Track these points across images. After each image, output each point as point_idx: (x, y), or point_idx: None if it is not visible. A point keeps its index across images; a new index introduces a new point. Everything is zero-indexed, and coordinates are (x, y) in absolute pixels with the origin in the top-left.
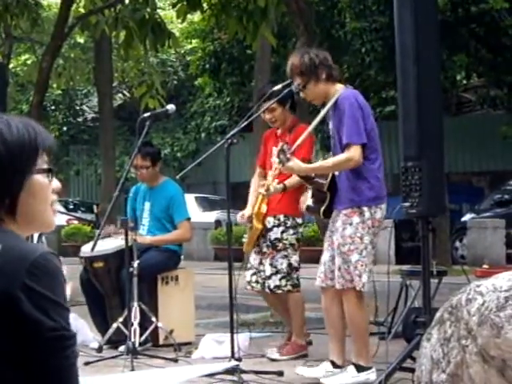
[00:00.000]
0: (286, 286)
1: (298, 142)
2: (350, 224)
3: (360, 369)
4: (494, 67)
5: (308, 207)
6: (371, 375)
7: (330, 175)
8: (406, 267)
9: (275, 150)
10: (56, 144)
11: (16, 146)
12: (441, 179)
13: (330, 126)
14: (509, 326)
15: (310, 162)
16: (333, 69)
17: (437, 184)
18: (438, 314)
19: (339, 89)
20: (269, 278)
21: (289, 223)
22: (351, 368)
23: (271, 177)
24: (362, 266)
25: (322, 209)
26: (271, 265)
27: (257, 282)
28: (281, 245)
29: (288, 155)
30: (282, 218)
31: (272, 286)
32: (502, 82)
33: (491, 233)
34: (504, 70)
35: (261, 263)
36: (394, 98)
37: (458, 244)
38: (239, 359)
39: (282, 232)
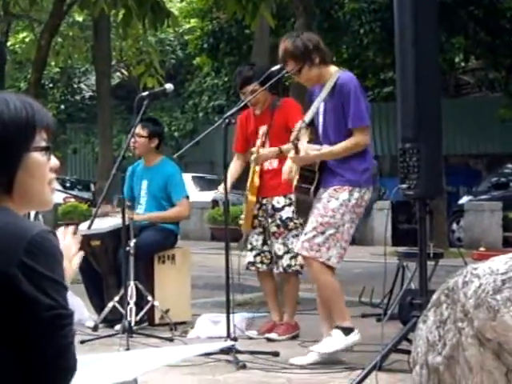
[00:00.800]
0: (295, 265)
1: (295, 133)
2: (337, 199)
3: (346, 331)
4: (493, 49)
5: (297, 187)
6: (357, 336)
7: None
8: (402, 249)
9: (263, 130)
10: (55, 122)
11: (13, 124)
12: (438, 161)
13: (321, 111)
14: (505, 309)
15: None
16: (325, 52)
17: (434, 166)
18: (434, 297)
19: (334, 72)
20: (281, 257)
21: None
22: (336, 331)
23: (256, 147)
24: (333, 240)
25: (313, 187)
26: (283, 244)
27: (262, 262)
28: (292, 224)
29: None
30: (293, 197)
31: (285, 265)
32: (500, 64)
33: (488, 215)
34: (502, 53)
35: (265, 243)
36: (393, 80)
37: (454, 226)
38: (235, 339)
39: (293, 212)
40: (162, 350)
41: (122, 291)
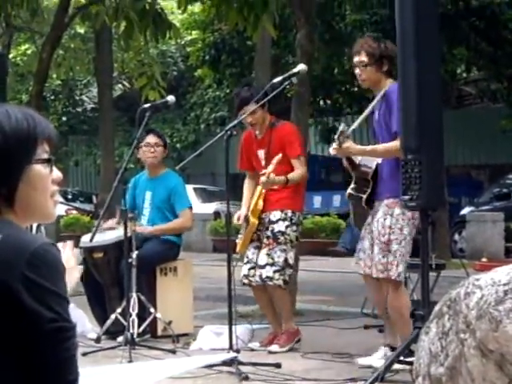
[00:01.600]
0: (278, 279)
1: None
2: (391, 215)
3: (393, 349)
4: (494, 60)
5: (350, 194)
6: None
7: (375, 164)
8: None
9: (261, 154)
10: (57, 134)
11: (14, 136)
12: (440, 172)
13: (376, 116)
14: (507, 320)
15: (303, 156)
16: (394, 66)
17: (436, 177)
18: (436, 308)
19: (389, 83)
20: (262, 267)
21: (294, 219)
22: (388, 350)
23: (271, 166)
24: (400, 255)
25: (365, 197)
26: (268, 255)
27: (254, 275)
28: (282, 238)
29: (345, 137)
30: (289, 213)
31: (264, 276)
32: (502, 75)
33: (490, 226)
34: (504, 64)
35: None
36: None
37: (457, 237)
38: (237, 351)
39: (287, 227)
40: (164, 362)
41: (124, 303)
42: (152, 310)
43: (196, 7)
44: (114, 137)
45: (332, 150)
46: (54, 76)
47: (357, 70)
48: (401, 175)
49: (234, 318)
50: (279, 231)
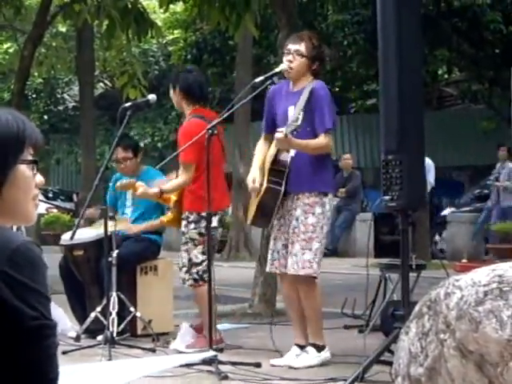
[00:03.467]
0: (188, 280)
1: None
2: (313, 213)
3: (318, 348)
4: (476, 62)
5: (269, 188)
6: (328, 353)
7: (289, 157)
8: (385, 260)
9: None
10: (42, 139)
11: (4, 136)
12: (421, 173)
13: (295, 111)
14: (487, 321)
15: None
16: (322, 68)
17: (417, 178)
18: (416, 308)
19: (312, 80)
20: (180, 270)
21: (191, 218)
22: (311, 349)
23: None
24: (319, 253)
25: (283, 189)
26: (179, 257)
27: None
28: (183, 238)
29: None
30: (186, 213)
31: (181, 280)
32: (484, 76)
33: (471, 227)
34: (485, 65)
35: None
36: (376, 91)
37: (437, 238)
38: (217, 350)
39: (185, 226)
40: (144, 361)
41: (104, 301)
42: (132, 308)
43: (178, 6)
44: (95, 135)
45: (279, 138)
46: (36, 74)
47: (289, 57)
48: (381, 176)
49: (213, 317)
50: (182, 233)
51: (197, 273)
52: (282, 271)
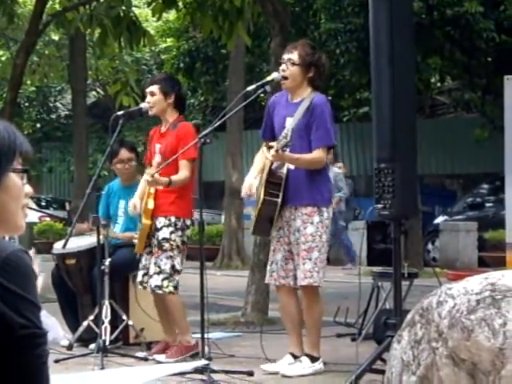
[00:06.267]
0: (167, 287)
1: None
2: (311, 223)
3: (313, 359)
4: (469, 70)
5: (265, 200)
6: (321, 365)
7: (286, 169)
8: (377, 269)
9: (157, 148)
10: (32, 150)
11: None
12: (414, 181)
13: (290, 123)
14: (479, 329)
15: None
16: (321, 78)
17: (409, 186)
18: (408, 316)
19: (310, 91)
20: (151, 276)
21: (179, 225)
22: (306, 359)
23: (154, 168)
24: (320, 262)
25: (280, 201)
26: (155, 264)
27: (148, 282)
28: (167, 245)
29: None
30: (173, 219)
31: (153, 286)
32: (476, 84)
33: (463, 236)
34: (478, 73)
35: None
36: (368, 100)
37: (430, 246)
38: (209, 358)
39: (171, 233)
40: (136, 370)
41: (96, 310)
42: (124, 317)
43: (171, 15)
44: (88, 144)
45: (272, 155)
46: (29, 82)
47: (283, 66)
48: (373, 184)
49: (206, 325)
50: (164, 238)
51: (177, 281)
52: (282, 283)
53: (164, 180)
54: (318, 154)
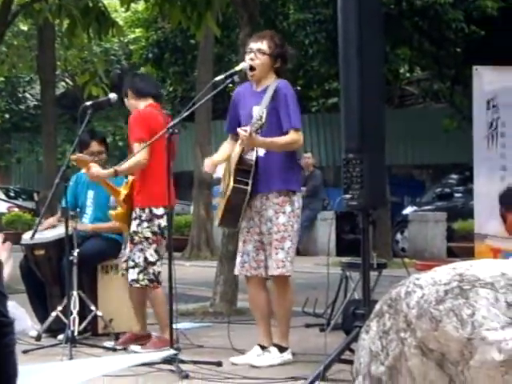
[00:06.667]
0: (143, 280)
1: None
2: (283, 213)
3: (281, 349)
4: (437, 60)
5: (235, 188)
6: (290, 355)
7: (255, 156)
8: (346, 259)
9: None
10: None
11: None
12: (382, 172)
13: (258, 110)
14: (447, 320)
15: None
16: (285, 67)
17: (378, 176)
18: (377, 307)
19: (275, 79)
20: (127, 270)
21: (143, 216)
22: (274, 349)
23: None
24: (292, 252)
25: (249, 188)
26: (129, 258)
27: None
28: (137, 238)
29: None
30: (137, 210)
31: (130, 280)
32: (445, 75)
33: (432, 226)
34: (447, 64)
35: None
36: (337, 90)
37: (399, 237)
38: (178, 348)
39: (138, 225)
40: (104, 360)
41: (65, 301)
42: (93, 307)
43: (139, 5)
44: (57, 134)
45: (243, 137)
46: None
47: (251, 55)
48: (342, 174)
49: (174, 315)
50: (133, 231)
51: (153, 273)
52: (253, 273)
53: (107, 172)
54: (292, 135)
